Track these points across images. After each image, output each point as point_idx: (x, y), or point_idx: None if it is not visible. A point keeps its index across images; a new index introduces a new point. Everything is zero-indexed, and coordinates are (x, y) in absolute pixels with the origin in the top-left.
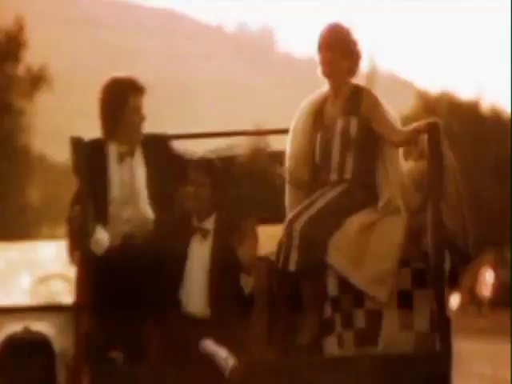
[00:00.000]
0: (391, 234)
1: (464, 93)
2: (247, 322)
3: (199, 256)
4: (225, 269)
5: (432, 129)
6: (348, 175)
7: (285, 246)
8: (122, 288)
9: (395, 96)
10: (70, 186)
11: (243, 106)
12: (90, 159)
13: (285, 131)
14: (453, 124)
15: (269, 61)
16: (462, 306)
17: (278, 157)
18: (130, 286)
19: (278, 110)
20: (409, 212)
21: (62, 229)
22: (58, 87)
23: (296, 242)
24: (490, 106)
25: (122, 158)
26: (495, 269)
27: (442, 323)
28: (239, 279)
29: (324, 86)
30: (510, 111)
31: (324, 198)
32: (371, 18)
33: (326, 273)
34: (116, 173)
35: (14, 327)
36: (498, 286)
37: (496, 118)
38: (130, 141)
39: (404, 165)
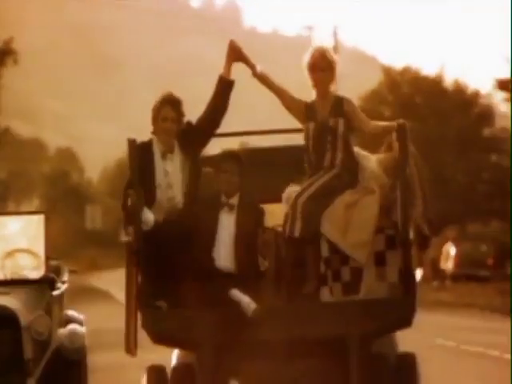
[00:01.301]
0: (369, 209)
1: (427, 68)
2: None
3: (227, 224)
4: (246, 234)
5: (400, 128)
6: (338, 162)
7: (291, 217)
8: (166, 252)
9: (360, 71)
10: (35, 162)
11: (210, 80)
12: (141, 156)
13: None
14: (416, 98)
15: (235, 36)
16: (425, 279)
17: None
18: (172, 250)
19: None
20: (381, 192)
21: (28, 204)
22: (24, 62)
23: (299, 214)
24: (453, 80)
25: (164, 155)
26: (458, 243)
27: (407, 276)
28: (256, 243)
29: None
30: (473, 86)
31: (320, 180)
32: None
33: (321, 239)
34: (160, 166)
35: None
36: (460, 259)
37: (458, 92)
38: (167, 142)
39: (374, 157)
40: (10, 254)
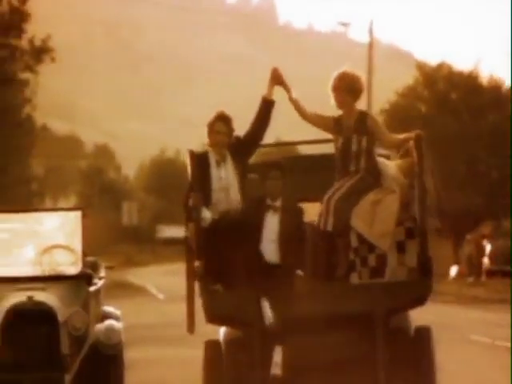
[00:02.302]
0: (390, 206)
1: (463, 63)
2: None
3: (272, 224)
4: (288, 232)
5: (417, 137)
6: (362, 167)
7: (324, 214)
8: (220, 245)
9: (396, 67)
10: (72, 158)
11: (244, 77)
12: (199, 164)
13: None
14: (451, 93)
15: (269, 32)
16: (461, 275)
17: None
18: (226, 244)
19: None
20: (401, 192)
21: (65, 200)
22: (60, 60)
23: (332, 211)
24: (489, 76)
25: (218, 163)
26: (493, 239)
27: (424, 262)
28: (297, 238)
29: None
30: (508, 82)
31: (348, 183)
32: None
33: (350, 232)
34: (215, 173)
35: (19, 297)
36: (496, 255)
37: (494, 88)
38: (220, 152)
39: (393, 162)
40: (47, 250)
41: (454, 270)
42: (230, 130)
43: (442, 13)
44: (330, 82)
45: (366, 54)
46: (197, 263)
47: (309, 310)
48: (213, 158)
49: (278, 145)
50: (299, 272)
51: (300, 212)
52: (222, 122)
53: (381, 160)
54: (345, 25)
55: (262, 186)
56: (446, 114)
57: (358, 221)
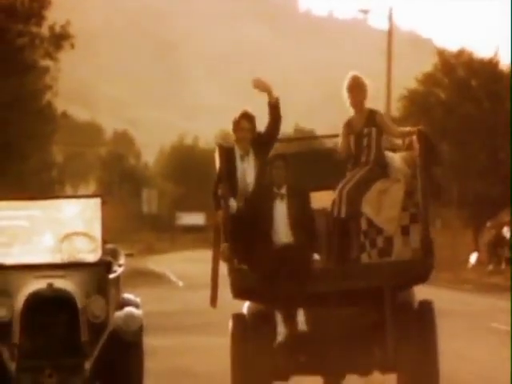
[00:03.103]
0: (396, 194)
1: (483, 50)
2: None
3: (280, 209)
4: (296, 214)
5: (420, 133)
6: (371, 160)
7: (338, 202)
8: (243, 229)
9: (416, 53)
10: (92, 145)
11: (265, 65)
12: (226, 158)
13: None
14: (471, 80)
15: (290, 20)
16: (480, 263)
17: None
18: (246, 228)
19: (299, 69)
20: (405, 181)
21: (85, 187)
22: (80, 46)
23: (344, 199)
24: (508, 63)
25: (242, 157)
26: None
27: (425, 243)
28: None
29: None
30: None
31: (358, 175)
32: None
33: (361, 217)
34: (240, 166)
35: (39, 285)
36: None
37: None
38: (244, 147)
39: (398, 155)
40: (67, 237)
41: (473, 258)
42: (253, 127)
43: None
44: (345, 84)
45: (385, 40)
46: (223, 246)
47: (325, 286)
48: (238, 152)
49: (292, 140)
50: (316, 256)
51: (304, 195)
52: (246, 119)
53: (388, 153)
54: (365, 12)
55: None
56: (466, 101)
57: (368, 207)
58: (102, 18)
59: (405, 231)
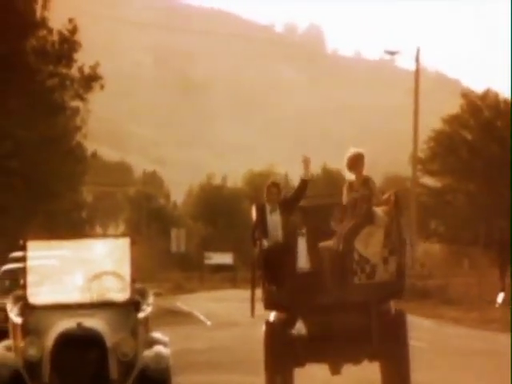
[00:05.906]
0: (379, 235)
1: (508, 91)
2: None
3: (302, 244)
4: (312, 249)
5: (396, 195)
6: (361, 213)
7: (338, 241)
8: (275, 260)
9: (441, 94)
10: (122, 185)
11: (293, 103)
12: (260, 212)
13: None
14: (496, 121)
15: (317, 60)
16: (507, 302)
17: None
18: (276, 261)
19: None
20: (385, 226)
21: (114, 227)
22: (110, 87)
23: (342, 239)
24: None
25: (271, 212)
26: None
27: (399, 270)
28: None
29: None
30: None
31: (353, 222)
32: (417, 19)
33: (354, 251)
34: (270, 217)
35: (68, 324)
36: None
37: None
38: (273, 205)
39: (380, 208)
40: (96, 276)
41: (500, 297)
42: (279, 191)
43: (488, 40)
44: (345, 162)
45: (412, 81)
46: (259, 273)
47: (326, 300)
48: (268, 208)
49: (311, 197)
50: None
51: (318, 234)
52: (274, 187)
53: (374, 208)
54: (392, 53)
55: (292, 221)
56: (492, 141)
57: (359, 244)
58: (131, 59)
59: (385, 261)
